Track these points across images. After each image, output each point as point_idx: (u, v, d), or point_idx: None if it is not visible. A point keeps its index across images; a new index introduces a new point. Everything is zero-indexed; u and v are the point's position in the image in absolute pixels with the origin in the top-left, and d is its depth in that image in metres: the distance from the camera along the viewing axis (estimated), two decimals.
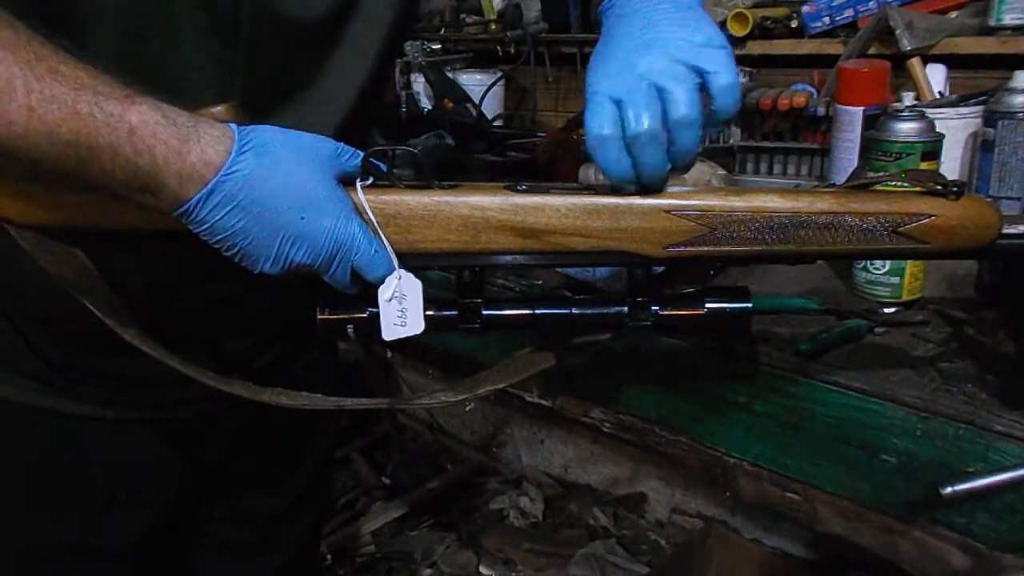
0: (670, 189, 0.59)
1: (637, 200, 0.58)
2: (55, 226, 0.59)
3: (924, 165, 0.89)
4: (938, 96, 1.29)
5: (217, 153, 0.53)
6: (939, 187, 0.58)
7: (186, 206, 0.53)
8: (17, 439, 0.75)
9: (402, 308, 0.59)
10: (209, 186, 0.52)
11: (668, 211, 0.58)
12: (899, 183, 0.64)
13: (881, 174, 0.79)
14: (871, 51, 1.40)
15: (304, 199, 0.55)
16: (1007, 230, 0.60)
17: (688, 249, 0.58)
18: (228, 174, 0.53)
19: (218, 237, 0.55)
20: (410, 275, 0.59)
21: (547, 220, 0.57)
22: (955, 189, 0.58)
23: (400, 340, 0.61)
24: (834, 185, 0.63)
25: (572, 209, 0.57)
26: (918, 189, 0.60)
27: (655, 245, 0.58)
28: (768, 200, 0.58)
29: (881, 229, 0.58)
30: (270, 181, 0.54)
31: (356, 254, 0.57)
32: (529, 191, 0.58)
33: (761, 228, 0.58)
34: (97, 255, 0.63)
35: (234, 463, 0.88)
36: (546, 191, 0.58)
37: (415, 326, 0.60)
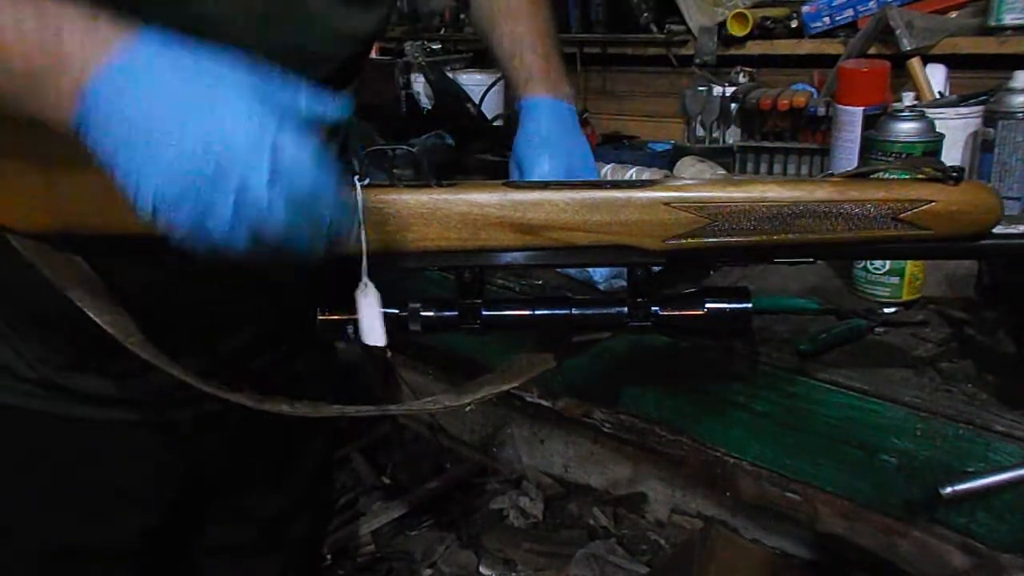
0: (669, 182, 0.59)
1: (636, 193, 0.58)
2: (55, 233, 0.59)
3: None
4: (938, 96, 1.29)
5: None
6: (938, 173, 0.58)
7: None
8: (15, 442, 0.75)
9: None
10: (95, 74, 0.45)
11: (667, 203, 0.57)
12: (898, 172, 0.64)
13: (880, 164, 0.79)
14: (871, 51, 1.40)
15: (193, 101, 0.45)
16: (1008, 230, 0.60)
17: (688, 241, 0.58)
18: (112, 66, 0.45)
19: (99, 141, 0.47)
20: (372, 285, 0.58)
21: (546, 215, 0.57)
22: (954, 175, 0.58)
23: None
24: (834, 174, 0.63)
25: (571, 204, 0.57)
26: (918, 176, 0.59)
27: (655, 238, 0.58)
28: (767, 190, 0.57)
29: (881, 216, 0.57)
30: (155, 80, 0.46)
31: (248, 182, 0.44)
32: (528, 187, 0.58)
33: (761, 218, 0.57)
34: (98, 262, 0.63)
35: (234, 464, 0.88)
36: (544, 186, 0.58)
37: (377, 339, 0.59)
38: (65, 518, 0.79)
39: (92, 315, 0.60)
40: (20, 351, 0.71)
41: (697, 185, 0.58)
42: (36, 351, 0.71)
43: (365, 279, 0.58)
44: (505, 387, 0.67)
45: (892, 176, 0.65)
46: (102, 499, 0.79)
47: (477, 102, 1.77)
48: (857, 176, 0.61)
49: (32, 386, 0.72)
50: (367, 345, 0.60)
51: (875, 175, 0.62)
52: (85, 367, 0.72)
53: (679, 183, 0.59)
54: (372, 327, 0.59)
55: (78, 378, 0.72)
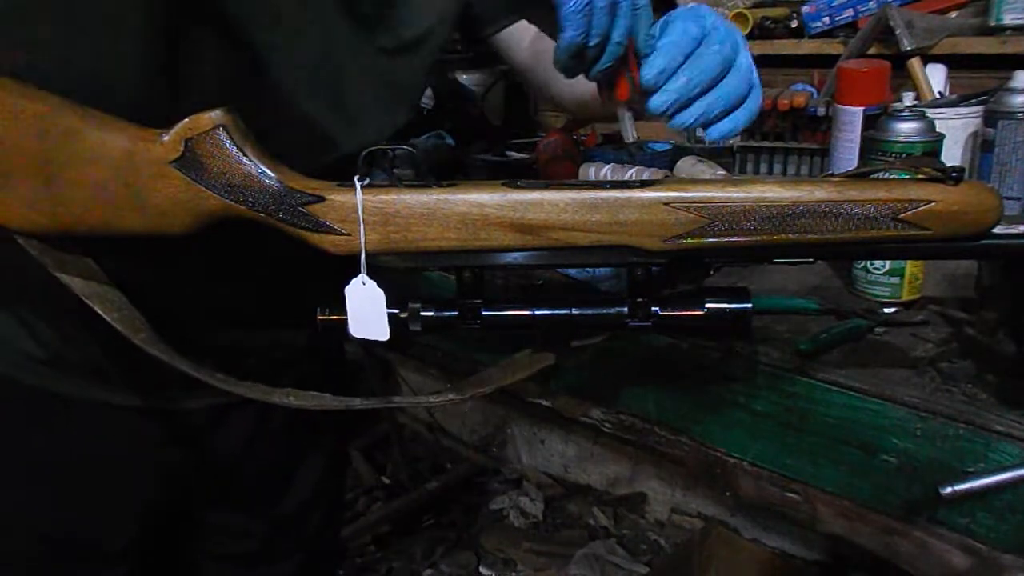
0: (669, 182, 0.59)
1: (636, 193, 0.58)
2: (56, 233, 0.59)
3: None
4: (938, 96, 1.29)
5: None
6: (938, 173, 0.58)
7: None
8: (13, 419, 0.75)
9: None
10: None
11: (667, 203, 0.57)
12: (898, 171, 0.64)
13: (880, 163, 0.79)
14: (871, 51, 1.40)
15: None
16: (1007, 230, 0.60)
17: (688, 241, 0.58)
18: None
19: None
20: (373, 283, 0.59)
21: (546, 216, 0.57)
22: (954, 175, 0.58)
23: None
24: (833, 174, 0.63)
25: (571, 204, 0.57)
26: (918, 176, 0.60)
27: (655, 238, 0.58)
28: (767, 190, 0.57)
29: (881, 216, 0.57)
30: None
31: None
32: (527, 187, 0.58)
33: (761, 218, 0.57)
34: (102, 260, 0.63)
35: (240, 467, 0.88)
36: (544, 186, 0.58)
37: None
38: (56, 506, 0.78)
39: (101, 312, 0.61)
40: (25, 318, 0.71)
41: (697, 185, 0.58)
42: (36, 330, 0.71)
43: (365, 277, 0.59)
44: (506, 383, 0.67)
45: (892, 176, 0.65)
46: (98, 492, 0.79)
47: (477, 102, 1.77)
48: (857, 176, 0.60)
49: (32, 362, 0.72)
50: (366, 340, 0.61)
51: (875, 175, 0.62)
52: (89, 350, 0.72)
53: (679, 183, 0.59)
54: (375, 323, 0.60)
55: (82, 358, 0.72)
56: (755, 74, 0.64)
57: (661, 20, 0.63)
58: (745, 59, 0.63)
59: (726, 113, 0.63)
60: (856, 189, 0.58)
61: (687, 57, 0.61)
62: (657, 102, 0.62)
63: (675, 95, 0.61)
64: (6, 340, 0.72)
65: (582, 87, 0.83)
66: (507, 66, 0.97)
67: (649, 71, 0.61)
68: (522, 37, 0.91)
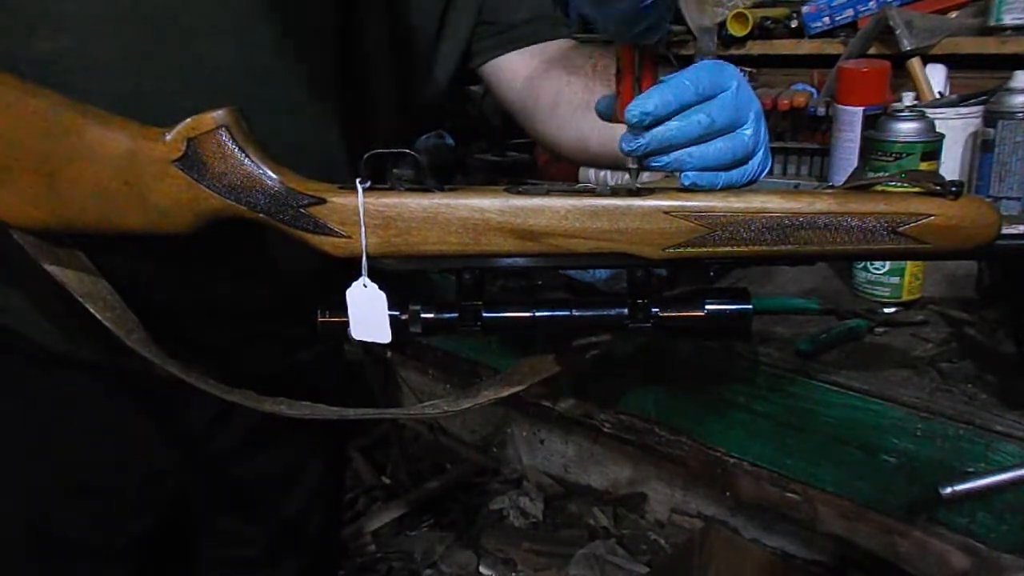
0: (669, 189, 0.59)
1: (636, 201, 0.58)
2: (55, 230, 0.59)
3: (924, 165, 0.89)
4: (938, 96, 1.29)
5: None
6: (938, 187, 0.58)
7: None
8: (14, 384, 0.75)
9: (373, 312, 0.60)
10: None
11: (667, 212, 0.57)
12: (898, 184, 0.64)
13: (880, 174, 0.79)
14: (871, 51, 1.40)
15: None
16: (1007, 230, 0.60)
17: (688, 250, 0.58)
18: None
19: None
20: (374, 286, 0.59)
21: (547, 222, 0.57)
22: (954, 189, 0.58)
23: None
24: (833, 186, 0.63)
25: (572, 211, 0.57)
26: (917, 189, 0.60)
27: (654, 246, 0.58)
28: (767, 201, 0.58)
29: (880, 229, 0.58)
30: None
31: None
32: (528, 193, 0.58)
33: (761, 229, 0.57)
34: (98, 258, 0.63)
35: (240, 469, 0.88)
36: (545, 192, 0.58)
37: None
38: (56, 508, 0.78)
39: (94, 311, 0.61)
40: (31, 294, 0.71)
41: (697, 194, 0.58)
42: (41, 303, 0.71)
43: (366, 280, 0.59)
44: (506, 393, 0.67)
45: (891, 187, 0.65)
46: (97, 491, 0.79)
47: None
48: (857, 188, 0.61)
49: (39, 327, 0.72)
50: (367, 342, 0.61)
51: (875, 187, 0.62)
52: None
53: (680, 191, 0.59)
54: (377, 325, 0.60)
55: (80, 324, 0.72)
56: (760, 148, 0.58)
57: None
58: (753, 128, 0.57)
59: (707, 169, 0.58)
60: (856, 201, 0.58)
61: (682, 108, 0.55)
62: (628, 145, 0.55)
63: (646, 141, 0.55)
64: (15, 319, 0.72)
65: (582, 126, 0.82)
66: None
67: (635, 109, 0.54)
68: (516, 75, 0.87)
